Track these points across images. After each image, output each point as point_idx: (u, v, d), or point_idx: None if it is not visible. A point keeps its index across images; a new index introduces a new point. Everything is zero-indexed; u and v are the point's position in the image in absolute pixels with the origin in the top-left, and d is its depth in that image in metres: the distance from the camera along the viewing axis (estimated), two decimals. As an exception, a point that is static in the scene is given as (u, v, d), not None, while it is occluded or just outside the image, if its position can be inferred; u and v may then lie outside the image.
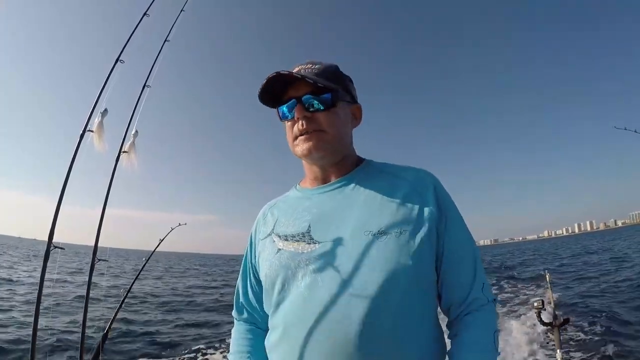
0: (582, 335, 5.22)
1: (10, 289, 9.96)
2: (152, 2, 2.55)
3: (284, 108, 0.80)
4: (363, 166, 0.85)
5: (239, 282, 0.93)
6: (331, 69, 0.80)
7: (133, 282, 2.93)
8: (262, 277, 0.82)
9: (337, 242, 0.72)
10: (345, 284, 0.67)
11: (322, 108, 0.76)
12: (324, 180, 0.84)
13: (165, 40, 2.71)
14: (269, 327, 0.79)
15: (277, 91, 0.79)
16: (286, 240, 0.78)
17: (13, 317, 6.81)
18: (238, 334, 0.89)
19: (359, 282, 0.67)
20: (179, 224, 3.33)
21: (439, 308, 0.77)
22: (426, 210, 0.73)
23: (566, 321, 2.97)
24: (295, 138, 0.79)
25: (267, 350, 0.78)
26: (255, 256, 0.88)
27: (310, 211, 0.79)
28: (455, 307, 0.75)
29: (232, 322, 0.95)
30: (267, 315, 0.81)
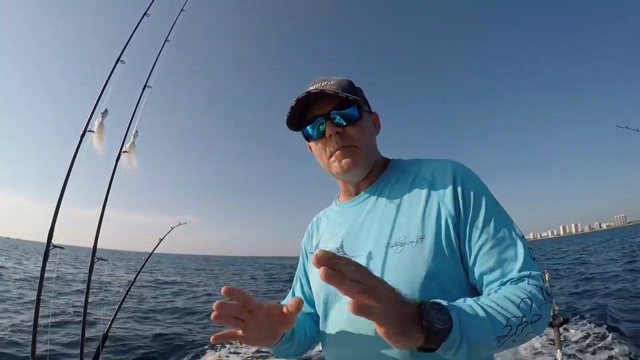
0: (582, 335, 5.22)
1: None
2: (152, 2, 2.56)
3: (311, 128, 0.81)
4: (387, 170, 0.85)
5: (294, 283, 1.02)
6: (346, 83, 0.81)
7: (133, 282, 2.92)
8: (312, 292, 0.89)
9: (364, 256, 0.74)
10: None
11: (350, 122, 0.78)
12: (356, 191, 0.86)
13: (165, 41, 2.71)
14: (320, 330, 0.85)
15: (298, 114, 0.81)
16: None
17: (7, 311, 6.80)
18: None
19: None
20: (179, 223, 3.30)
21: None
22: (443, 209, 0.69)
23: (565, 321, 2.98)
24: (331, 156, 0.80)
25: (322, 347, 0.84)
26: (307, 265, 0.98)
27: (343, 226, 0.83)
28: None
29: None
30: (314, 311, 0.90)
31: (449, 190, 0.70)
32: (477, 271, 0.66)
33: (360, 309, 0.46)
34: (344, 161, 0.78)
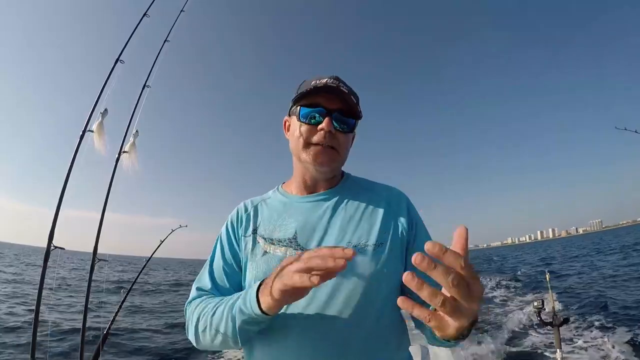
0: (582, 335, 5.23)
1: None
2: (152, 2, 2.56)
3: (309, 111, 0.81)
4: (344, 180, 0.92)
5: (210, 262, 0.89)
6: (357, 95, 0.85)
7: (133, 283, 2.93)
8: (248, 277, 0.81)
9: None
10: (332, 291, 0.73)
11: (344, 129, 0.82)
12: (312, 189, 0.88)
13: (165, 41, 2.71)
14: None
15: (306, 92, 0.81)
16: (272, 244, 0.81)
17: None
18: (210, 298, 0.82)
19: (344, 290, 0.73)
20: (180, 226, 3.30)
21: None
22: (400, 225, 0.82)
23: (566, 320, 2.98)
24: (309, 144, 0.81)
25: (251, 346, 0.77)
26: (236, 246, 0.86)
27: (296, 218, 0.84)
28: None
29: None
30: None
31: (404, 212, 0.84)
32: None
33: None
34: (319, 156, 0.80)
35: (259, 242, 0.83)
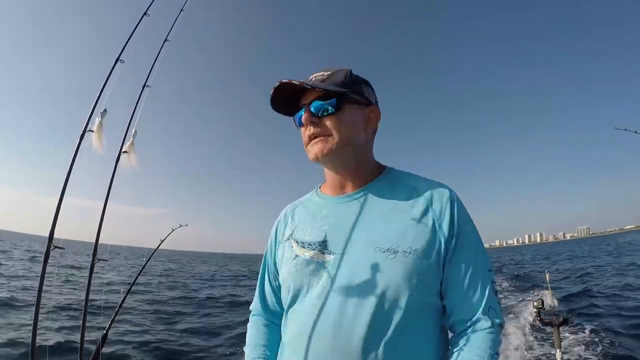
0: (582, 334, 5.23)
1: None
2: (152, 2, 2.55)
3: (296, 116, 0.84)
4: (382, 176, 0.85)
5: (259, 279, 0.97)
6: (341, 74, 0.81)
7: (133, 282, 2.92)
8: (280, 281, 0.86)
9: (350, 255, 0.75)
10: (352, 298, 0.70)
11: (328, 113, 0.78)
12: (342, 188, 0.86)
13: (165, 40, 2.71)
14: (282, 328, 0.85)
15: (292, 100, 0.83)
16: (303, 247, 0.81)
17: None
18: (254, 327, 0.94)
19: (365, 297, 0.70)
20: (180, 225, 3.34)
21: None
22: (439, 231, 0.73)
23: (566, 320, 2.98)
24: (306, 144, 0.82)
25: (282, 342, 0.84)
26: (275, 256, 0.92)
27: (327, 220, 0.82)
28: (459, 325, 0.75)
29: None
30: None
31: (446, 216, 0.74)
32: (449, 297, 0.74)
33: None
34: (312, 150, 0.79)
35: (292, 246, 0.84)
